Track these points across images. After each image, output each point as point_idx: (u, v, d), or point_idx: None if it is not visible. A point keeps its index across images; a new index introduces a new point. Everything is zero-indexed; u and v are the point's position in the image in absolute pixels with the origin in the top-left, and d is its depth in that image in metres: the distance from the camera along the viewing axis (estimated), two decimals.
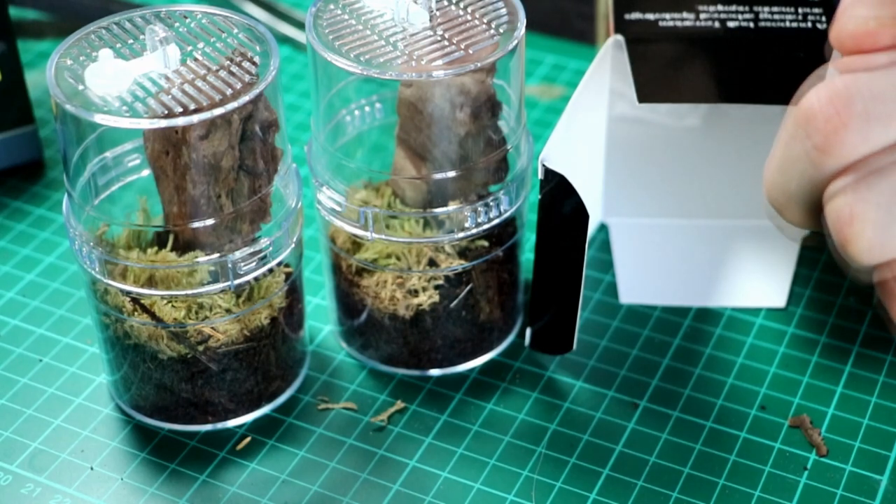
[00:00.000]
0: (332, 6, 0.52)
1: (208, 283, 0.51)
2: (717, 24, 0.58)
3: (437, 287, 0.55)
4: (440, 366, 0.57)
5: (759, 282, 0.61)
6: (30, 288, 0.62)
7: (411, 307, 0.55)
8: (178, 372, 0.53)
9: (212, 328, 0.52)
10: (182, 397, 0.54)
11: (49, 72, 0.49)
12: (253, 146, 0.50)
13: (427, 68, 0.49)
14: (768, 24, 0.57)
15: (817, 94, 0.41)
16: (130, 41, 0.50)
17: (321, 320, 0.60)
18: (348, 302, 0.57)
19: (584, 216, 0.51)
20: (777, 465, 0.53)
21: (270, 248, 0.52)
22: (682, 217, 0.65)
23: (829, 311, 0.60)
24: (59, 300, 0.61)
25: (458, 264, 0.54)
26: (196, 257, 0.50)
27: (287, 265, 0.54)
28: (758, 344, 0.58)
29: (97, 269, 0.51)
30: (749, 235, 0.63)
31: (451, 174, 0.52)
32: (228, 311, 0.52)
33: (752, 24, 0.58)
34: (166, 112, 0.47)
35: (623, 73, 0.56)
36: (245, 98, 0.48)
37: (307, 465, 0.53)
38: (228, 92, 0.48)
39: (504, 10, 0.52)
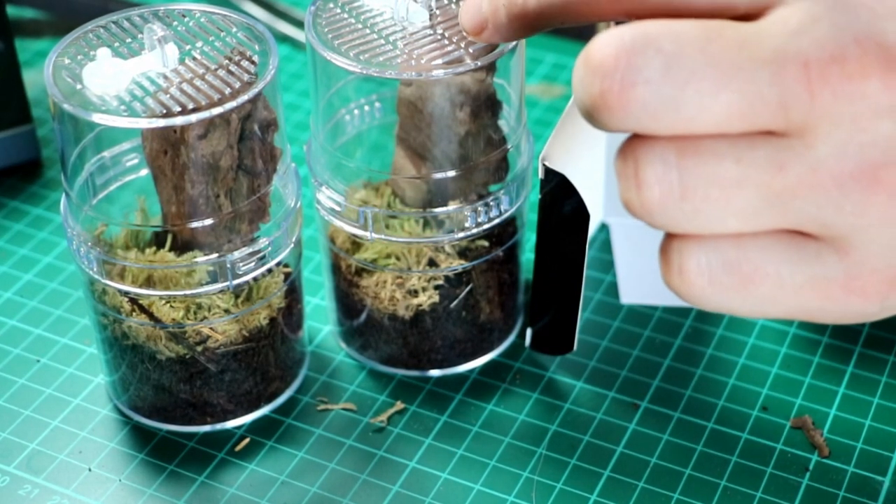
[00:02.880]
0: (331, 5, 0.52)
1: (207, 283, 0.51)
2: None
3: (436, 287, 0.55)
4: (440, 366, 0.57)
5: None
6: (28, 288, 0.62)
7: (411, 307, 0.55)
8: (177, 372, 0.53)
9: (210, 328, 0.52)
10: (181, 398, 0.54)
11: (47, 71, 0.49)
12: (252, 146, 0.49)
13: (427, 67, 0.49)
14: None
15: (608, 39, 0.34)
16: (129, 40, 0.50)
17: (320, 321, 0.60)
18: (348, 302, 0.56)
19: (584, 216, 0.51)
20: (779, 467, 0.52)
21: (269, 248, 0.51)
22: None
23: None
24: (57, 300, 0.61)
25: (458, 264, 0.54)
26: (195, 257, 0.50)
27: (286, 265, 0.53)
28: (759, 344, 0.58)
29: (95, 269, 0.51)
30: None
31: (451, 174, 0.52)
32: (227, 311, 0.52)
33: None
34: (165, 111, 0.47)
35: None
36: (244, 97, 0.47)
37: (306, 466, 0.53)
38: (227, 91, 0.47)
39: None
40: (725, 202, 0.34)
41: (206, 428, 0.54)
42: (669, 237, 0.36)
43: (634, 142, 0.35)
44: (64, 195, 0.52)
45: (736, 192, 0.34)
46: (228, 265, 0.50)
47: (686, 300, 0.36)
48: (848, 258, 0.35)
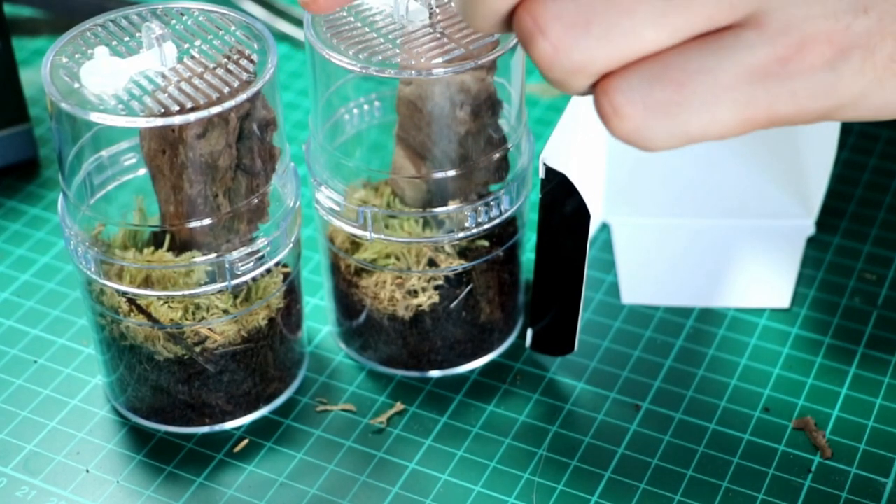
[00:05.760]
0: None
1: (205, 283, 0.50)
2: None
3: (436, 287, 0.54)
4: (440, 367, 0.57)
5: (763, 282, 0.61)
6: (25, 288, 0.61)
7: (411, 308, 0.55)
8: (175, 373, 0.52)
9: (209, 329, 0.52)
10: (179, 399, 0.53)
11: (44, 70, 0.48)
12: (251, 145, 0.49)
13: (427, 66, 0.49)
14: None
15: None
16: (127, 39, 0.50)
17: (320, 321, 0.59)
18: (347, 302, 0.56)
19: (585, 215, 0.51)
20: (781, 468, 0.52)
21: (268, 248, 0.51)
22: (685, 216, 0.64)
23: (834, 312, 0.59)
24: (54, 301, 0.60)
25: (458, 264, 0.54)
26: (193, 257, 0.50)
27: (285, 265, 0.53)
28: (761, 345, 0.58)
29: (93, 270, 0.50)
30: (753, 235, 0.63)
31: (451, 173, 0.52)
32: (226, 311, 0.51)
33: None
34: (163, 110, 0.46)
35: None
36: (243, 96, 0.47)
37: (305, 467, 0.53)
38: (226, 90, 0.47)
39: None
40: (630, 12, 0.34)
41: (205, 429, 0.54)
42: (595, 89, 0.35)
43: (522, 3, 0.35)
44: (61, 195, 0.51)
45: None
46: (227, 265, 0.50)
47: (637, 142, 0.36)
48: (767, 28, 0.34)
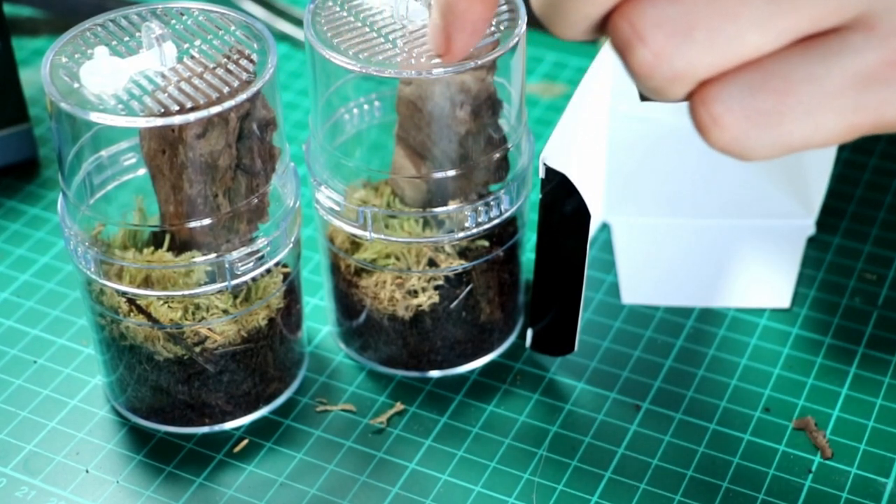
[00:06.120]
0: (330, 3, 0.52)
1: (205, 283, 0.50)
2: None
3: (436, 287, 0.54)
4: (440, 367, 0.57)
5: (764, 282, 0.61)
6: (24, 288, 0.61)
7: (411, 308, 0.55)
8: (175, 373, 0.52)
9: (209, 329, 0.52)
10: (179, 399, 0.53)
11: (44, 69, 0.48)
12: (250, 145, 0.49)
13: (427, 66, 0.49)
14: None
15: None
16: (126, 38, 0.50)
17: (320, 321, 0.59)
18: (347, 302, 0.56)
19: (585, 215, 0.51)
20: (781, 468, 0.52)
21: (268, 248, 0.51)
22: (685, 216, 0.64)
23: (834, 312, 0.59)
24: (54, 301, 0.60)
25: (458, 264, 0.54)
26: (193, 257, 0.50)
27: (285, 265, 0.53)
28: (762, 345, 0.58)
29: (93, 270, 0.50)
30: (753, 235, 0.63)
31: (451, 173, 0.52)
32: (225, 311, 0.51)
33: None
34: (163, 110, 0.46)
35: (625, 71, 0.56)
36: (242, 96, 0.47)
37: (305, 467, 0.53)
38: (226, 90, 0.47)
39: (505, 8, 0.51)
40: (734, 15, 0.32)
41: (205, 429, 0.54)
42: (692, 98, 0.34)
43: (618, 9, 0.33)
44: (61, 194, 0.51)
45: (740, 2, 0.32)
46: (227, 265, 0.50)
47: (737, 153, 0.34)
48: (878, 30, 0.33)
